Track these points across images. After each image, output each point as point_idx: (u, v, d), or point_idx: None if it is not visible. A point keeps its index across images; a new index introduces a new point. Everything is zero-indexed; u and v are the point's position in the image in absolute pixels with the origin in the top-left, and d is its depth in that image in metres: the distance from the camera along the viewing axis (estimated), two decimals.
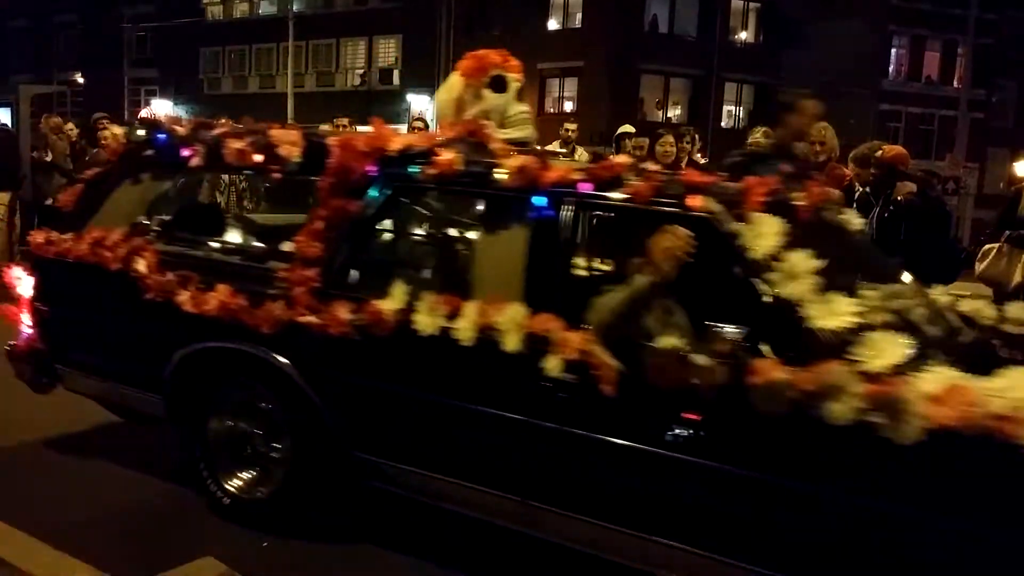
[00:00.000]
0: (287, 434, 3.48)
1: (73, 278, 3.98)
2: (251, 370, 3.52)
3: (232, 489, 3.62)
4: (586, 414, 2.84)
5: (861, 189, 5.30)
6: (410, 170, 3.31)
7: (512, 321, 2.89)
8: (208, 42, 35.42)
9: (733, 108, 30.25)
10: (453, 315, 3.01)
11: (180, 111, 32.78)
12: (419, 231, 4.11)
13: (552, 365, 2.83)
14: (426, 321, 3.04)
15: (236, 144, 3.65)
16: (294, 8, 28.50)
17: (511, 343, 2.89)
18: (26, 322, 4.14)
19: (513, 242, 3.06)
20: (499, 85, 3.81)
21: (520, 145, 3.60)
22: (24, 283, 4.15)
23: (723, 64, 28.79)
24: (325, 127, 8.64)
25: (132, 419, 4.39)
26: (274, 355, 3.36)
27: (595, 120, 21.24)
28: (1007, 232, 6.03)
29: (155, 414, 3.86)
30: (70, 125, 10.47)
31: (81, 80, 37.33)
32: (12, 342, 4.25)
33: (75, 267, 3.92)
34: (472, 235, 3.55)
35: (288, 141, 3.50)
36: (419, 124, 9.17)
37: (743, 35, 30.51)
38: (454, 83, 3.88)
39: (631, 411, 2.79)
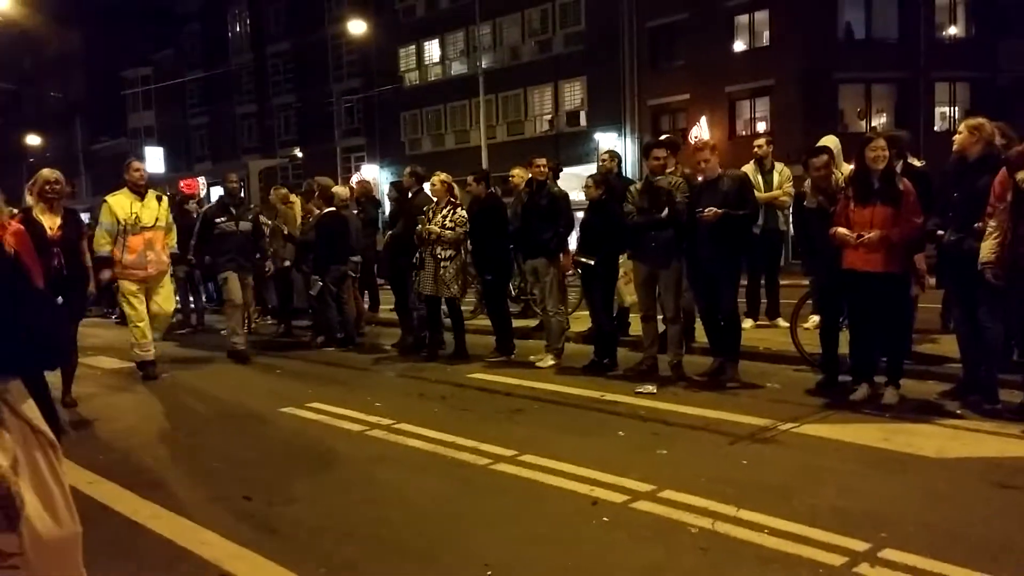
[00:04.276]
0: None
1: None
2: None
3: None
4: None
5: None
6: None
7: None
8: (407, 107, 37.82)
9: (946, 109, 27.89)
10: None
11: (386, 173, 35.20)
12: None
13: None
14: None
15: None
16: (483, 65, 29.82)
17: None
18: None
19: None
20: None
21: None
22: None
23: (931, 64, 26.70)
24: (517, 169, 8.87)
25: None
26: None
27: (790, 136, 20.35)
28: None
29: None
30: (294, 196, 11.57)
31: (299, 153, 41.21)
32: None
33: None
34: None
35: None
36: (606, 157, 9.03)
37: (952, 30, 28.16)
38: None
39: None
